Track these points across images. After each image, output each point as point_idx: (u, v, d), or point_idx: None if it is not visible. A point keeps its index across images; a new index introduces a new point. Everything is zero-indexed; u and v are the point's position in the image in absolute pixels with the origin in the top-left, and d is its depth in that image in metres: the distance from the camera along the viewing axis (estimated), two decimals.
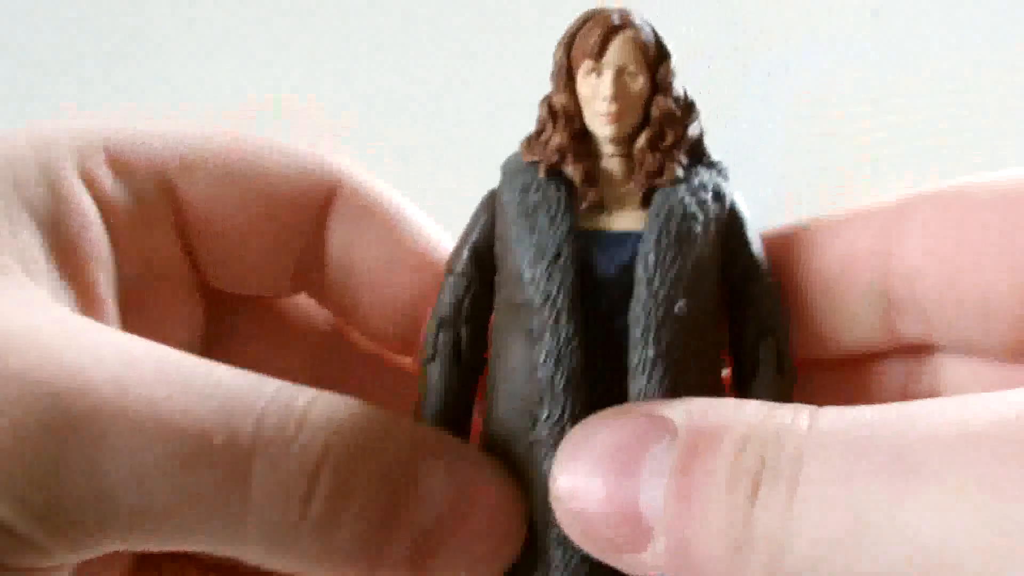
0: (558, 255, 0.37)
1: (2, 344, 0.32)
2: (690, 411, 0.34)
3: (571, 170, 0.38)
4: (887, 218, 0.39)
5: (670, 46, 0.39)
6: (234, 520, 0.32)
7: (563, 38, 0.39)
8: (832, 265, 0.39)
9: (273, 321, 0.45)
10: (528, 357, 0.37)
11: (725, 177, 0.39)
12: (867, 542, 0.29)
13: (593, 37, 0.38)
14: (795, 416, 0.32)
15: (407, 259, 0.43)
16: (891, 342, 0.40)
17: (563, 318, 0.36)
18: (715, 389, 0.38)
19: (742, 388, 0.39)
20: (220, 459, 0.32)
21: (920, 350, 0.40)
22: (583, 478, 0.34)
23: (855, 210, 0.40)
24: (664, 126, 0.38)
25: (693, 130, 0.39)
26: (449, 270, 0.40)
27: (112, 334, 0.34)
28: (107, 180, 0.39)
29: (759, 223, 0.41)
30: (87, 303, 0.38)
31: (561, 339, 0.36)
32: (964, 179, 0.38)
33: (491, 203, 0.39)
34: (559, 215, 0.37)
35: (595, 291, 0.37)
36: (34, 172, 0.37)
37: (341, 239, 0.43)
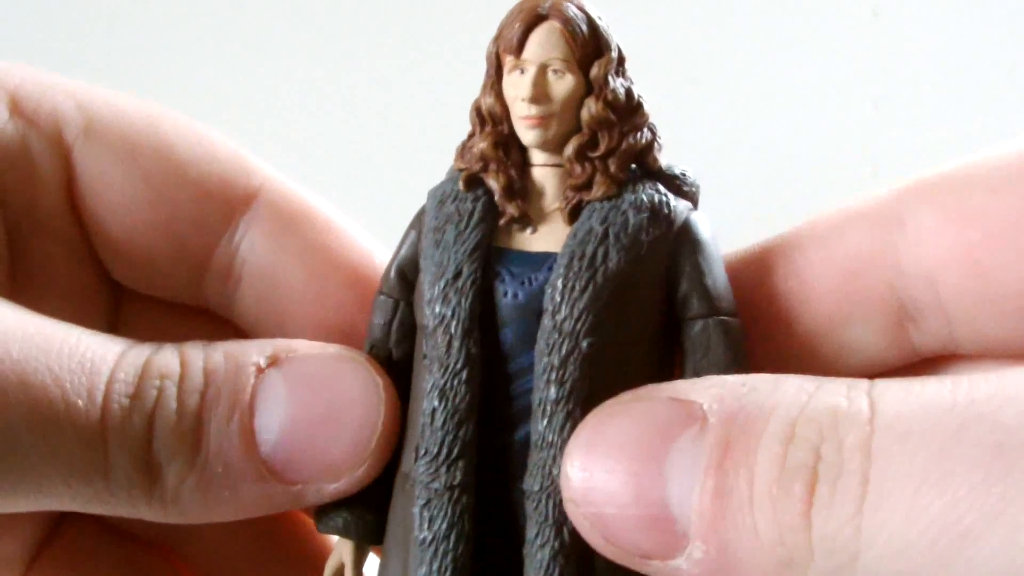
0: (457, 275, 0.32)
1: None
2: (721, 394, 0.28)
3: (491, 180, 0.34)
4: (888, 213, 0.34)
5: (613, 37, 0.34)
6: (98, 478, 0.32)
7: (497, 30, 0.35)
8: (832, 274, 0.34)
9: (182, 330, 0.42)
10: (425, 386, 0.33)
11: (689, 194, 0.34)
12: (966, 553, 0.24)
13: (513, 29, 0.33)
14: (851, 396, 0.27)
15: (336, 274, 0.39)
16: (906, 357, 0.34)
17: (454, 346, 0.32)
18: None
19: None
20: (74, 421, 0.32)
21: (936, 362, 0.34)
22: (601, 475, 0.29)
23: (851, 207, 0.35)
24: (596, 132, 0.34)
25: (636, 137, 0.34)
26: (379, 290, 0.36)
27: None
28: (1, 117, 0.37)
29: (734, 242, 0.35)
30: None
31: (449, 369, 0.32)
32: (960, 161, 0.34)
33: (419, 218, 0.36)
34: (467, 230, 0.33)
35: (500, 319, 0.33)
36: None
37: (258, 249, 0.39)
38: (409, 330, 0.36)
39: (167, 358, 0.33)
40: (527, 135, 0.34)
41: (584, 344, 0.31)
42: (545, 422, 0.31)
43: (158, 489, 0.33)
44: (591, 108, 0.33)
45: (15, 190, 0.37)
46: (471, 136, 0.35)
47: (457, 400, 0.32)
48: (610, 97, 0.34)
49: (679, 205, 0.34)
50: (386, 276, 0.36)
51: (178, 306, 0.41)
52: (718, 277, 0.34)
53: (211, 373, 0.33)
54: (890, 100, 1.53)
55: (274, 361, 0.34)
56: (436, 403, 0.32)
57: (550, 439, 0.31)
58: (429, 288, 0.33)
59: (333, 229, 0.40)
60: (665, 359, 0.34)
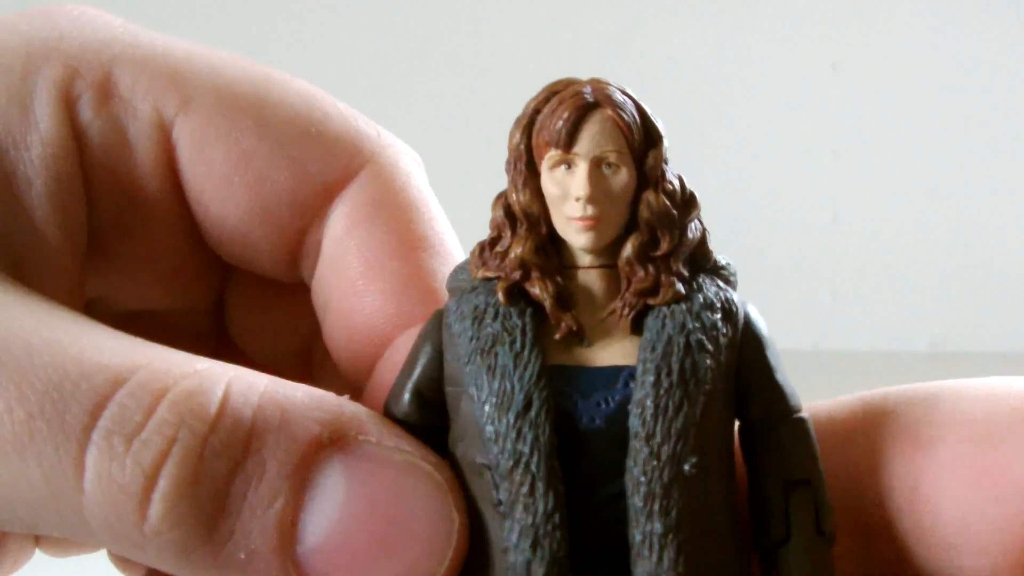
0: (528, 405, 0.28)
1: None
2: None
3: (538, 290, 0.30)
4: (913, 443, 0.31)
5: (660, 124, 0.30)
6: (71, 515, 0.28)
7: (521, 117, 0.31)
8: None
9: (289, 308, 0.39)
10: (495, 535, 0.29)
11: (733, 285, 0.31)
12: None
13: (559, 119, 0.30)
14: None
15: (392, 275, 0.35)
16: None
17: (539, 488, 0.28)
18: (739, 562, 0.30)
19: (770, 554, 0.30)
20: (48, 446, 0.27)
21: None
22: None
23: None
24: (657, 230, 0.30)
25: (693, 231, 0.31)
26: (387, 415, 0.31)
27: None
28: (88, 107, 0.34)
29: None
30: (33, 238, 0.33)
31: (538, 515, 0.28)
32: (985, 392, 0.31)
33: (437, 331, 0.31)
34: (526, 351, 0.29)
35: (578, 447, 0.29)
36: (14, 83, 0.33)
37: (333, 233, 0.36)
38: None
39: (200, 390, 0.28)
40: (579, 238, 0.29)
41: (687, 467, 0.28)
42: (655, 559, 0.28)
43: (140, 536, 0.28)
44: (651, 204, 0.30)
45: (116, 176, 0.35)
46: (496, 239, 0.30)
47: (555, 548, 0.28)
48: (669, 189, 0.30)
49: (739, 300, 0.30)
50: (396, 398, 0.31)
51: (286, 283, 0.38)
52: (786, 372, 0.31)
53: (259, 434, 0.28)
54: (849, 150, 1.56)
55: (338, 440, 0.29)
56: (530, 554, 0.28)
57: None
58: (492, 421, 0.28)
59: (407, 223, 0.35)
60: (732, 463, 0.30)
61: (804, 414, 0.31)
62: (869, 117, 1.55)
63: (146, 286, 0.36)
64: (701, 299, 0.30)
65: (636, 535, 0.28)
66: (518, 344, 0.29)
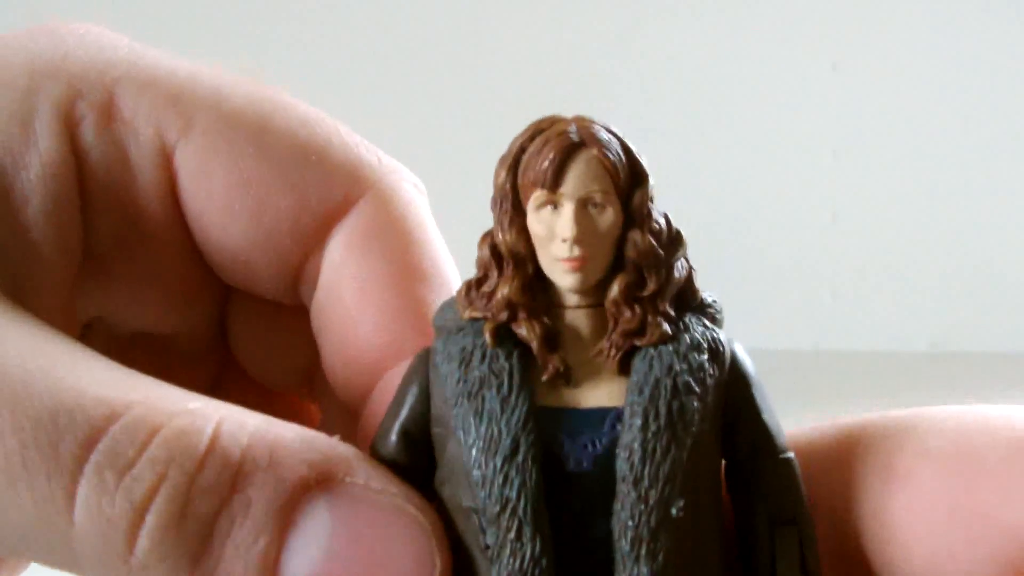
0: (515, 449, 0.28)
1: None
2: None
3: (524, 331, 0.30)
4: (882, 473, 0.31)
5: (645, 162, 0.30)
6: (60, 545, 0.28)
7: (506, 156, 0.30)
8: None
9: (291, 330, 0.39)
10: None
11: (720, 323, 0.31)
12: None
13: (545, 159, 0.29)
14: None
15: (378, 306, 0.35)
16: None
17: (526, 532, 0.28)
18: None
19: None
20: (40, 476, 0.27)
21: None
22: None
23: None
24: (643, 270, 0.30)
25: (680, 270, 0.30)
26: (374, 455, 0.31)
27: None
28: (90, 128, 0.34)
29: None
30: (28, 256, 0.33)
31: (526, 560, 0.28)
32: (965, 421, 0.31)
33: (424, 371, 0.31)
34: (513, 394, 0.29)
35: (565, 490, 0.29)
36: (15, 101, 0.33)
37: (331, 259, 0.36)
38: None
39: (192, 429, 0.28)
40: (565, 279, 0.29)
41: (674, 511, 0.28)
42: None
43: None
44: (637, 243, 0.30)
45: (117, 198, 0.34)
46: (483, 279, 0.30)
47: None
48: (655, 228, 0.30)
49: (725, 339, 0.30)
50: (383, 438, 0.31)
51: (289, 305, 0.38)
52: (773, 412, 0.30)
53: (247, 473, 0.28)
54: (849, 150, 1.56)
55: (325, 481, 0.29)
56: None
57: None
58: (479, 465, 0.28)
59: (403, 252, 0.35)
60: (720, 502, 0.30)
61: (790, 454, 0.30)
62: (869, 117, 1.56)
63: (147, 306, 0.36)
64: (688, 340, 0.29)
65: None
66: (505, 387, 0.29)
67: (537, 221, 0.29)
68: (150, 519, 0.27)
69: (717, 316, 0.31)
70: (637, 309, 0.29)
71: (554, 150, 0.29)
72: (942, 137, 1.56)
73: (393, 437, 0.30)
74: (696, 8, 1.50)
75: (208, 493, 0.28)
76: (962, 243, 1.56)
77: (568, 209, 0.29)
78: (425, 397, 0.30)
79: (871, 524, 0.31)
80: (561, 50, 1.45)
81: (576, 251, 0.29)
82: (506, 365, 0.29)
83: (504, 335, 0.30)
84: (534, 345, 0.29)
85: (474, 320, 0.30)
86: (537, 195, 0.29)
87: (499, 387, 0.29)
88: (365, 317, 0.35)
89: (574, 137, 0.29)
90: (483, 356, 0.29)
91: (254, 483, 0.28)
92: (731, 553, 0.30)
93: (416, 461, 0.30)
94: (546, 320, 0.30)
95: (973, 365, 1.44)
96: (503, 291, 0.30)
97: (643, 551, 0.28)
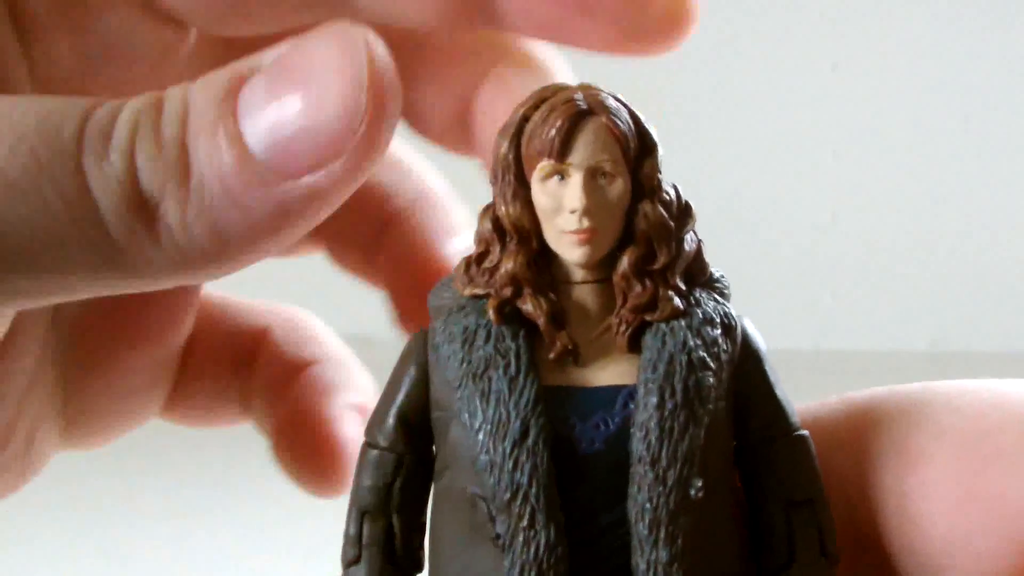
0: (525, 433, 0.27)
1: None
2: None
3: (530, 307, 0.28)
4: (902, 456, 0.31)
5: (654, 131, 0.29)
6: (91, 228, 0.30)
7: (508, 125, 0.29)
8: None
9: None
10: (493, 570, 0.28)
11: (728, 298, 0.30)
12: None
13: (552, 128, 0.28)
14: None
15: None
16: None
17: (539, 519, 0.27)
18: None
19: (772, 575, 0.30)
20: (55, 165, 0.29)
21: None
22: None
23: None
24: (654, 242, 0.29)
25: (690, 243, 0.29)
26: (370, 442, 0.30)
27: None
28: None
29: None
30: None
31: (540, 548, 0.27)
32: (984, 403, 0.31)
33: (422, 352, 0.29)
34: (521, 375, 0.28)
35: (577, 473, 0.28)
36: None
37: None
38: (419, 492, 0.29)
39: (143, 99, 0.31)
40: (574, 252, 0.28)
41: (692, 491, 0.27)
42: None
43: (163, 228, 0.29)
44: (648, 215, 0.28)
45: None
46: (484, 254, 0.29)
47: None
48: (665, 199, 0.29)
49: (736, 314, 0.29)
50: (379, 424, 0.30)
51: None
52: (784, 389, 0.30)
53: (190, 96, 0.30)
54: (849, 150, 1.56)
55: (254, 70, 0.31)
56: None
57: None
58: (487, 450, 0.27)
59: None
60: (732, 482, 0.29)
61: (804, 432, 0.29)
62: (869, 117, 1.55)
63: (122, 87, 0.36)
64: (700, 314, 0.28)
65: (640, 563, 0.27)
66: (512, 368, 0.28)
67: (543, 193, 0.28)
68: (139, 162, 0.29)
69: (725, 291, 0.29)
70: (648, 283, 0.28)
71: (561, 118, 0.28)
72: (942, 137, 1.56)
73: (390, 421, 0.29)
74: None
75: (170, 122, 0.30)
76: (962, 243, 1.56)
77: (576, 179, 0.28)
78: (424, 380, 0.29)
79: (885, 505, 0.30)
80: (561, 49, 1.45)
81: (585, 223, 0.28)
82: (512, 345, 0.28)
83: (508, 313, 0.28)
84: (541, 322, 0.28)
85: (475, 298, 0.29)
86: (543, 165, 0.28)
87: (506, 368, 0.27)
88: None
89: (582, 105, 0.28)
90: (488, 335, 0.28)
91: (201, 101, 0.30)
92: (745, 534, 0.29)
93: (415, 445, 0.29)
94: (552, 296, 0.28)
95: (973, 365, 1.43)
96: (507, 266, 0.28)
97: (662, 534, 0.27)
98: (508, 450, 0.27)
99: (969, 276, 1.55)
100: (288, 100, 0.29)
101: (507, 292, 0.28)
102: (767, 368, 0.29)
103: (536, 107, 0.29)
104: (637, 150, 0.28)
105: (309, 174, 0.29)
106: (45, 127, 0.29)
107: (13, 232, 0.29)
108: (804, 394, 0.32)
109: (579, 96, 0.28)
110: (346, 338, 0.45)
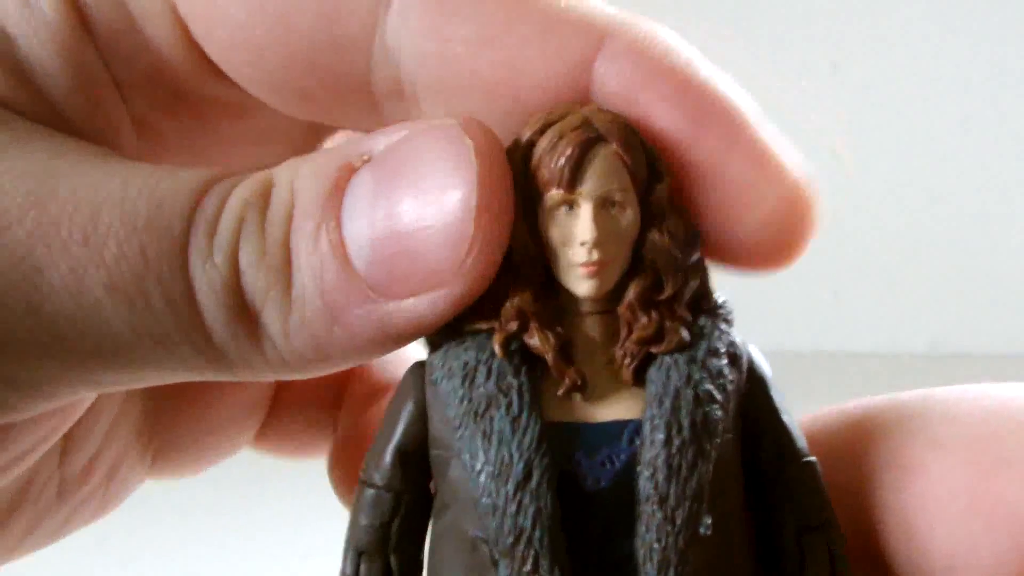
0: (528, 475, 0.26)
1: None
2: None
3: (538, 342, 0.27)
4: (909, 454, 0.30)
5: (661, 157, 0.28)
6: (193, 330, 0.28)
7: (513, 151, 0.28)
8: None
9: (254, 129, 0.37)
10: None
11: (731, 324, 0.29)
12: None
13: (562, 156, 0.27)
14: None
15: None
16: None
17: (543, 565, 0.26)
18: None
19: None
20: (158, 278, 0.28)
21: None
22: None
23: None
24: (661, 272, 0.28)
25: (697, 274, 0.28)
26: (367, 480, 0.29)
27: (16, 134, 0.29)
28: None
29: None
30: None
31: None
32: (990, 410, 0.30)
33: (419, 387, 0.28)
34: (524, 414, 0.26)
35: (583, 511, 0.27)
36: None
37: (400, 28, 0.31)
38: (417, 531, 0.28)
39: (252, 185, 0.28)
40: (582, 285, 0.27)
41: (702, 530, 0.26)
42: None
43: (265, 337, 0.28)
44: (656, 244, 0.27)
45: (124, 47, 0.32)
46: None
47: None
48: (672, 229, 0.28)
49: (742, 342, 0.28)
50: (376, 462, 0.28)
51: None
52: (791, 414, 0.29)
53: (298, 189, 0.28)
54: (848, 149, 1.56)
55: (365, 160, 0.28)
56: None
57: None
58: (489, 493, 0.26)
59: None
60: (744, 512, 0.29)
61: (812, 457, 0.29)
62: (868, 117, 1.55)
63: (162, 158, 0.34)
64: (706, 346, 0.27)
65: None
66: (515, 407, 0.26)
67: (552, 224, 0.27)
68: (243, 262, 0.28)
69: (729, 317, 0.29)
70: (654, 315, 0.27)
71: (571, 146, 0.27)
72: (942, 137, 1.55)
73: (387, 459, 0.28)
74: (694, 7, 1.49)
75: (275, 221, 0.28)
76: (962, 243, 1.55)
77: (587, 210, 0.27)
78: (422, 416, 0.28)
79: (886, 520, 0.30)
80: None
81: (595, 255, 0.27)
82: (514, 382, 0.27)
83: (511, 348, 0.27)
84: (549, 358, 0.27)
85: (477, 332, 0.28)
86: (552, 195, 0.27)
87: (508, 406, 0.26)
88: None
89: (591, 132, 0.27)
90: (488, 372, 0.27)
91: (307, 194, 0.28)
92: (756, 564, 0.29)
93: (413, 482, 0.28)
94: (559, 329, 0.27)
95: (973, 366, 1.44)
96: (513, 300, 0.27)
97: (671, 574, 0.26)
98: (511, 493, 0.26)
99: (969, 276, 1.55)
100: (394, 211, 0.27)
101: (512, 326, 0.27)
102: (773, 395, 0.28)
103: (542, 131, 0.27)
104: (647, 178, 0.27)
105: (412, 298, 0.27)
106: (155, 223, 0.28)
107: (111, 332, 0.28)
108: (804, 396, 0.31)
109: (588, 121, 0.27)
110: None
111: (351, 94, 0.32)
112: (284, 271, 0.28)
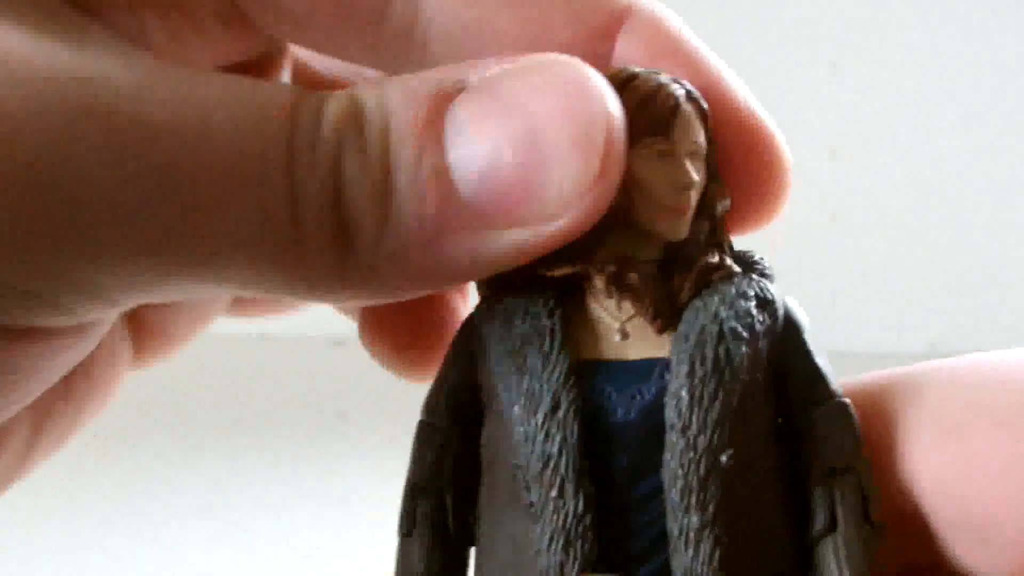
0: (556, 405, 0.28)
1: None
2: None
3: (638, 286, 0.29)
4: (890, 418, 0.31)
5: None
6: (289, 249, 0.28)
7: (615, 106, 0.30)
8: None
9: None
10: (527, 538, 0.28)
11: (770, 278, 0.31)
12: None
13: (664, 106, 0.29)
14: None
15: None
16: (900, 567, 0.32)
17: (568, 489, 0.28)
18: (783, 552, 0.29)
19: (814, 544, 0.29)
20: (263, 180, 0.27)
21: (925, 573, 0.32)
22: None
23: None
24: (718, 220, 0.31)
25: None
26: (424, 419, 0.31)
27: (122, 49, 0.28)
28: None
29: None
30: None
31: (569, 517, 0.27)
32: (970, 369, 0.31)
33: (470, 333, 0.31)
34: (554, 352, 0.29)
35: (612, 443, 0.28)
36: None
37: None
38: (469, 468, 0.30)
39: (341, 105, 0.28)
40: (675, 226, 0.30)
41: (723, 459, 0.27)
42: (691, 553, 0.27)
43: (352, 256, 0.28)
44: (715, 196, 0.31)
45: None
46: None
47: (586, 549, 0.27)
48: (722, 185, 0.31)
49: (776, 290, 0.30)
50: (432, 403, 0.31)
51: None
52: (826, 359, 0.30)
53: (391, 112, 0.28)
54: (848, 150, 1.56)
55: (458, 91, 0.28)
56: (563, 555, 0.27)
57: (699, 571, 0.27)
58: (521, 423, 0.28)
59: None
60: (781, 454, 0.30)
61: (845, 399, 0.30)
62: (868, 117, 1.55)
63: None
64: (734, 289, 0.29)
65: (673, 529, 0.28)
66: (547, 344, 0.28)
67: (648, 169, 0.29)
68: (345, 173, 0.28)
69: (767, 272, 0.31)
70: (716, 252, 0.30)
71: (671, 98, 0.29)
72: (942, 137, 1.55)
73: (442, 399, 0.31)
74: (694, 7, 1.49)
75: (374, 141, 0.28)
76: (962, 243, 1.55)
77: (683, 158, 0.29)
78: (472, 359, 0.30)
79: (923, 481, 0.29)
80: None
81: (692, 199, 0.30)
82: (548, 323, 0.29)
83: (542, 287, 0.29)
84: (645, 301, 0.29)
85: (554, 276, 0.30)
86: (651, 142, 0.29)
87: (540, 344, 0.28)
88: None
89: (682, 88, 0.30)
90: (525, 314, 0.29)
91: (403, 117, 0.28)
92: (789, 505, 0.29)
93: (465, 423, 0.30)
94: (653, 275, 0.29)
95: None
96: (610, 243, 0.29)
97: (693, 500, 0.27)
98: (540, 422, 0.28)
99: (969, 276, 1.55)
100: (512, 140, 0.27)
101: (612, 268, 0.29)
102: (806, 339, 0.30)
103: (628, 82, 0.30)
104: (709, 137, 0.30)
105: (517, 228, 0.28)
106: (263, 129, 0.27)
107: (198, 234, 0.27)
108: None
109: (677, 80, 0.30)
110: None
111: (362, 23, 0.31)
112: (384, 191, 0.28)
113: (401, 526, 0.30)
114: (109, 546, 1.06)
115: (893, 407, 0.31)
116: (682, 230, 0.30)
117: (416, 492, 0.30)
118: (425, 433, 0.31)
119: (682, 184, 0.29)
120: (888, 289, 1.56)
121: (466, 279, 0.29)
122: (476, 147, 0.28)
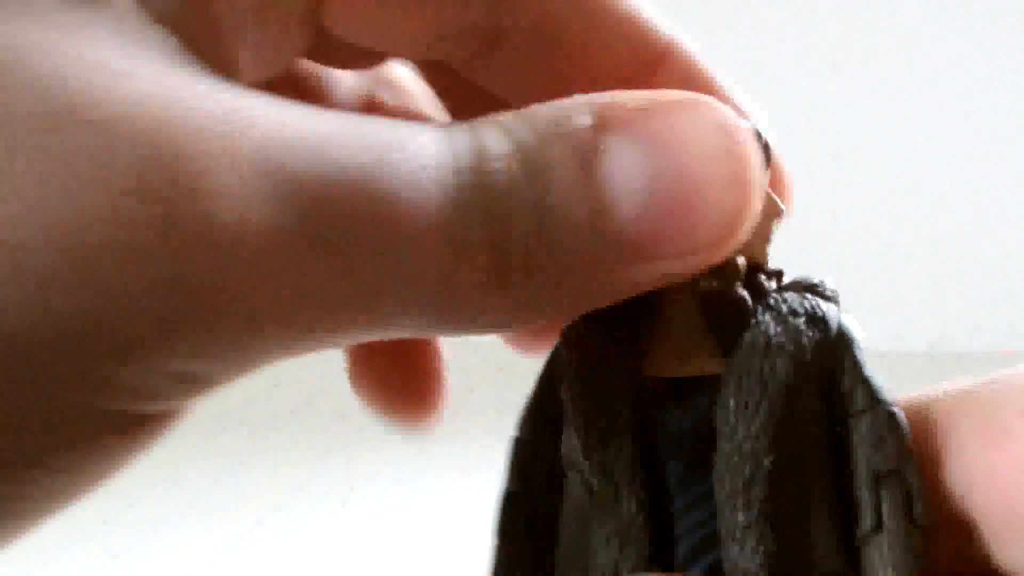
0: (615, 415, 0.31)
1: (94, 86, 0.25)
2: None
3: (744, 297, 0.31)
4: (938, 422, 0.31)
5: None
6: (444, 294, 0.27)
7: None
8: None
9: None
10: (588, 540, 0.31)
11: (836, 300, 0.32)
12: None
13: None
14: None
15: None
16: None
17: (623, 494, 0.30)
18: (833, 553, 0.30)
19: (861, 546, 0.30)
20: (420, 225, 0.26)
21: None
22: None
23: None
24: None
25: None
26: (516, 434, 0.33)
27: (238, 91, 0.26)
28: None
29: None
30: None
31: (622, 520, 0.30)
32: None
33: (554, 357, 0.33)
34: (616, 367, 0.31)
35: (667, 452, 0.31)
36: None
37: None
38: (555, 479, 0.32)
39: (485, 136, 0.28)
40: (760, 252, 0.31)
41: (766, 462, 0.29)
42: (738, 548, 0.29)
43: (508, 294, 0.28)
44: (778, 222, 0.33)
45: None
46: None
47: (640, 548, 0.30)
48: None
49: (830, 308, 0.32)
50: (523, 416, 0.33)
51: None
52: (877, 371, 0.31)
53: (533, 148, 0.28)
54: (849, 150, 1.56)
55: (605, 123, 0.28)
56: (618, 553, 0.30)
57: (744, 566, 0.29)
58: (582, 434, 0.31)
59: None
60: (830, 460, 0.31)
61: (895, 408, 0.30)
62: (869, 117, 1.55)
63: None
64: (785, 308, 0.31)
65: (722, 528, 0.29)
66: (608, 359, 0.30)
67: None
68: (496, 219, 0.27)
69: (828, 293, 0.31)
70: (773, 275, 0.31)
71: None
72: (942, 137, 1.56)
73: (528, 414, 0.32)
74: (694, 7, 1.50)
75: (524, 177, 0.28)
76: (962, 243, 1.56)
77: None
78: (557, 374, 0.32)
79: (972, 484, 0.30)
80: None
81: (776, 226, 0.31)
82: (612, 336, 0.31)
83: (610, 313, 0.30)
84: (711, 319, 0.30)
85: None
86: None
87: (603, 359, 0.30)
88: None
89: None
90: (594, 331, 0.31)
91: (547, 154, 0.28)
92: (838, 508, 0.30)
93: (553, 435, 0.32)
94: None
95: (972, 366, 1.43)
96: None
97: (739, 501, 0.29)
98: (598, 432, 0.30)
99: (969, 276, 1.55)
100: (664, 175, 0.28)
101: (715, 284, 0.30)
102: (857, 350, 0.31)
103: None
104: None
105: (662, 261, 0.28)
106: (409, 157, 0.27)
107: (334, 286, 0.26)
108: None
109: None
110: None
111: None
112: (535, 224, 0.28)
113: (495, 531, 0.32)
114: (109, 546, 1.06)
115: (941, 414, 0.31)
116: (767, 255, 0.31)
117: (508, 499, 0.32)
118: (516, 446, 0.32)
119: (775, 212, 0.30)
120: (888, 289, 1.56)
121: (605, 302, 0.30)
122: (634, 183, 0.28)
